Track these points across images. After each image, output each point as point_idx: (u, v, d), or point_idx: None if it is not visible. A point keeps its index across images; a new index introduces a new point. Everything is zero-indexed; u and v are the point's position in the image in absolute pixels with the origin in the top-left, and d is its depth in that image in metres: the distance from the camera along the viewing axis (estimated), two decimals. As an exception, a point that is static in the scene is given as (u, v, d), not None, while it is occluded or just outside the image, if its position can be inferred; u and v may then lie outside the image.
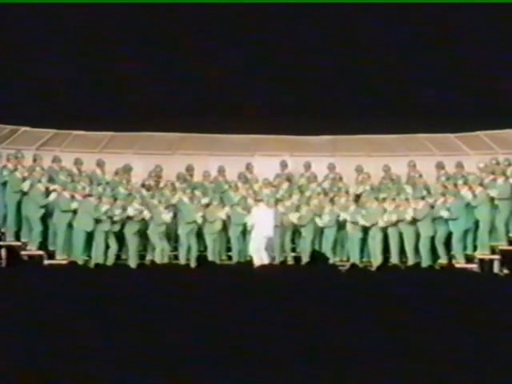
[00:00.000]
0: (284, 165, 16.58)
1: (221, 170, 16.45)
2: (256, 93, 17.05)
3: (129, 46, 17.20)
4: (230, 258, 15.50)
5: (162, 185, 15.96)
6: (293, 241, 15.68)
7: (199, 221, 15.16)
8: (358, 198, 15.84)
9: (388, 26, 16.97)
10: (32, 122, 16.67)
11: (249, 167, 16.55)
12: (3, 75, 16.37)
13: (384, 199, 15.35)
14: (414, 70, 17.04)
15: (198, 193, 15.77)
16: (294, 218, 15.32)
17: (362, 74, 17.17)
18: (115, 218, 14.94)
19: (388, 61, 17.10)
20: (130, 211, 15.02)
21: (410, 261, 14.87)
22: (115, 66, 17.15)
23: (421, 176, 16.04)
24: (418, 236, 15.06)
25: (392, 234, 15.12)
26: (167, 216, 15.09)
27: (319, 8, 16.92)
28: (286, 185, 16.15)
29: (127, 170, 16.19)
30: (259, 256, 14.83)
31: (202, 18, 17.27)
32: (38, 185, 15.12)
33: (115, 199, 15.17)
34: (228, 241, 15.54)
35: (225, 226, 15.44)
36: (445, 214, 14.86)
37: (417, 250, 15.03)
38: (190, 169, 16.42)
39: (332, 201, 15.54)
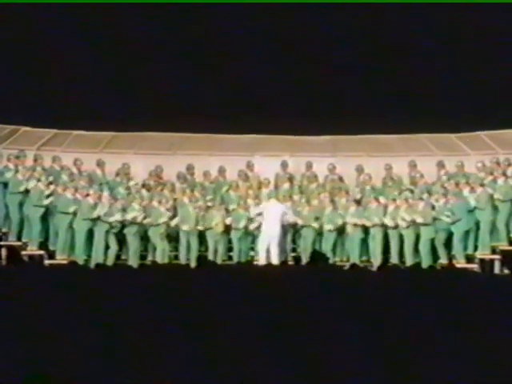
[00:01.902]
0: (285, 165, 16.57)
1: (221, 171, 16.45)
2: (256, 93, 17.05)
3: (129, 46, 17.20)
4: (230, 257, 15.46)
5: (160, 187, 15.95)
6: (293, 241, 15.66)
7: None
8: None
9: (388, 25, 16.97)
10: (32, 122, 16.68)
11: (249, 165, 16.54)
12: (3, 75, 16.37)
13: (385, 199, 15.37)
14: (414, 70, 17.03)
15: (197, 193, 15.77)
16: (296, 218, 15.31)
17: (362, 74, 17.17)
18: (111, 221, 14.93)
19: (389, 61, 17.10)
20: (128, 216, 15.02)
21: (410, 261, 14.82)
22: (116, 65, 17.16)
23: (422, 176, 16.04)
24: (418, 236, 15.04)
25: (392, 234, 15.09)
26: (166, 217, 15.12)
27: (319, 8, 16.93)
28: (286, 185, 16.14)
29: (126, 169, 16.21)
30: (267, 255, 14.81)
31: (202, 17, 17.27)
32: (39, 184, 15.13)
33: (115, 199, 15.17)
34: (229, 241, 15.49)
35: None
36: (447, 219, 14.84)
37: (417, 250, 15.01)
38: (190, 168, 16.43)
39: (333, 201, 15.51)
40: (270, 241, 14.85)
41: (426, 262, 14.66)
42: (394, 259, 14.96)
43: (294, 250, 15.61)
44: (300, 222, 15.31)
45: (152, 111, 16.81)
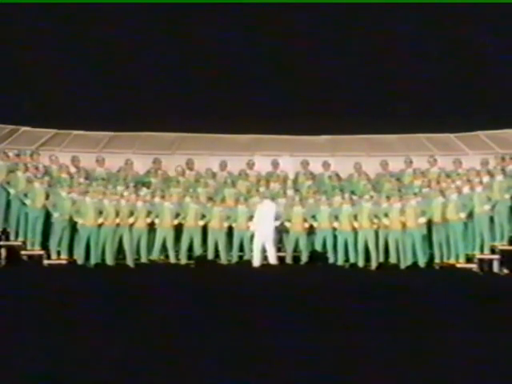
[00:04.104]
0: (276, 163, 16.54)
1: (222, 165, 16.43)
2: (256, 93, 17.06)
3: (129, 46, 17.21)
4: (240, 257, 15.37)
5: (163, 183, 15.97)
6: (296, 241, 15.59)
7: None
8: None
9: (388, 25, 16.98)
10: (32, 122, 16.71)
11: (249, 164, 16.52)
12: (3, 75, 16.38)
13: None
14: (414, 70, 17.05)
15: (201, 190, 15.74)
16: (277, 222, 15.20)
17: (361, 74, 17.18)
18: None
19: (388, 60, 17.11)
20: (131, 219, 15.09)
21: (408, 261, 14.81)
22: (116, 65, 17.17)
23: (422, 173, 16.04)
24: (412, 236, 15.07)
25: (388, 233, 15.09)
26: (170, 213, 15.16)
27: (319, 7, 16.94)
28: (278, 184, 16.09)
29: (129, 164, 16.27)
30: (261, 256, 14.74)
31: (202, 17, 17.28)
32: (35, 184, 15.16)
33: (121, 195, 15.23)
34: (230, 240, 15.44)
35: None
36: (462, 215, 14.90)
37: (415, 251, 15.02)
38: (189, 163, 16.42)
39: (328, 200, 15.46)
40: (264, 241, 14.76)
41: (422, 262, 14.70)
42: (392, 259, 14.97)
43: (294, 249, 15.56)
44: (288, 224, 15.23)
45: (152, 111, 16.83)
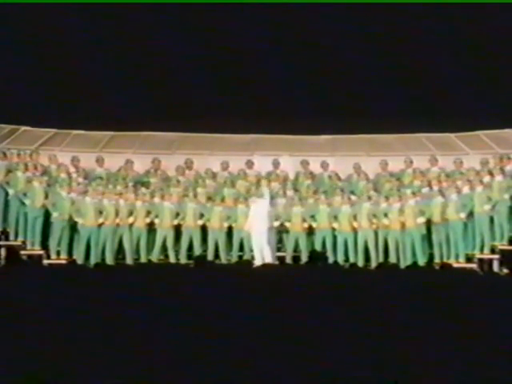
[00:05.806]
0: (276, 163, 16.53)
1: (224, 165, 16.42)
2: (256, 93, 17.06)
3: (128, 46, 17.21)
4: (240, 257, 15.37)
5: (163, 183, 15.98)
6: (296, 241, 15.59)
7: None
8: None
9: (386, 25, 16.97)
10: (32, 122, 16.71)
11: (249, 164, 16.51)
12: (3, 75, 16.38)
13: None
14: (413, 70, 17.05)
15: (199, 189, 15.72)
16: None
17: (362, 74, 17.18)
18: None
19: (387, 61, 17.11)
20: (131, 219, 15.08)
21: (408, 261, 14.82)
22: (116, 65, 17.17)
23: (422, 173, 16.04)
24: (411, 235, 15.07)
25: (388, 233, 15.09)
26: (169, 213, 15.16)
27: (319, 8, 16.93)
28: (278, 183, 16.08)
29: (129, 164, 16.27)
30: (260, 255, 14.73)
31: (201, 17, 17.28)
32: (35, 183, 15.16)
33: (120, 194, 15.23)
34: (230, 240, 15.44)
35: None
36: (462, 215, 14.89)
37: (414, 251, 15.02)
38: (188, 162, 16.41)
39: (328, 200, 15.44)
40: (259, 240, 14.74)
41: (422, 261, 14.72)
42: (392, 259, 14.98)
43: (294, 249, 15.56)
44: (276, 224, 15.22)
45: (151, 111, 16.83)
